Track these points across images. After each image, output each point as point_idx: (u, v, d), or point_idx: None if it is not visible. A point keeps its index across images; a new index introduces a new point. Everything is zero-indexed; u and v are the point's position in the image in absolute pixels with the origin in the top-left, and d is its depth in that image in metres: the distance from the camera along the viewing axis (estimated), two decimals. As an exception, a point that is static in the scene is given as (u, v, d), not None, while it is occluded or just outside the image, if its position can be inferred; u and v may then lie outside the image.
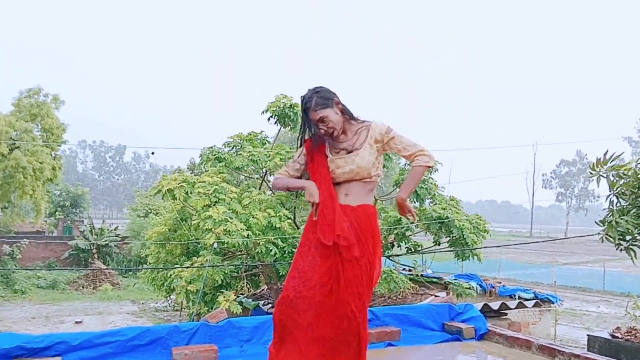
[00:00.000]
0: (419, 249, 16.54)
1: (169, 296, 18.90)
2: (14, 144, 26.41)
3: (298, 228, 15.49)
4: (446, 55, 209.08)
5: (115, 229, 35.82)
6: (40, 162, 27.08)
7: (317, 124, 3.13)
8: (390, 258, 16.74)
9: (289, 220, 14.73)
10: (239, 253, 14.50)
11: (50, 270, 31.05)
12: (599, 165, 5.19)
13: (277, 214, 14.11)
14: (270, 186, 3.41)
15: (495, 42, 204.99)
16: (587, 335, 6.48)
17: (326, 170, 3.17)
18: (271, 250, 13.45)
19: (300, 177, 3.29)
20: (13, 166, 25.99)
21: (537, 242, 29.94)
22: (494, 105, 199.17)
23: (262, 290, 17.05)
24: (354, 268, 3.01)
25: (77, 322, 21.86)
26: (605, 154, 5.17)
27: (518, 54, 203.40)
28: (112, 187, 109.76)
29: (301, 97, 3.21)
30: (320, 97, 3.12)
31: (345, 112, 3.20)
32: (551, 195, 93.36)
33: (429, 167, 3.21)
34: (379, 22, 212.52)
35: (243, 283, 15.35)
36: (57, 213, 40.94)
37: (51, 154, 28.75)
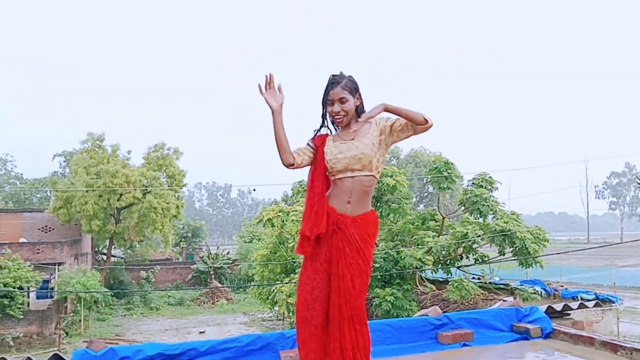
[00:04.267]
0: (486, 259, 15.95)
1: (273, 308, 19.11)
2: (146, 189, 27.63)
3: (377, 246, 15.35)
4: (495, 80, 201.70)
5: (227, 254, 36.48)
6: (167, 203, 27.96)
7: (334, 102, 2.80)
8: (460, 268, 16.22)
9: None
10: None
11: (178, 290, 32.03)
12: (647, 176, 4.87)
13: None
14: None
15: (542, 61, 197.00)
16: (650, 331, 6.00)
17: (323, 163, 2.85)
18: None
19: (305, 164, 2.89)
20: (147, 207, 26.99)
21: (595, 247, 27.99)
22: (547, 124, 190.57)
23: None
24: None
25: (201, 332, 22.37)
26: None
27: (565, 73, 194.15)
28: (222, 219, 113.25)
29: (332, 74, 2.87)
30: (351, 82, 2.83)
31: (358, 109, 2.87)
32: (604, 205, 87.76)
33: (426, 121, 2.72)
34: (427, 35, 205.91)
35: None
36: (181, 243, 41.83)
37: (175, 196, 29.59)
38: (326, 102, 2.85)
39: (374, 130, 2.85)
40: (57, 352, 3.45)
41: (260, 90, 2.76)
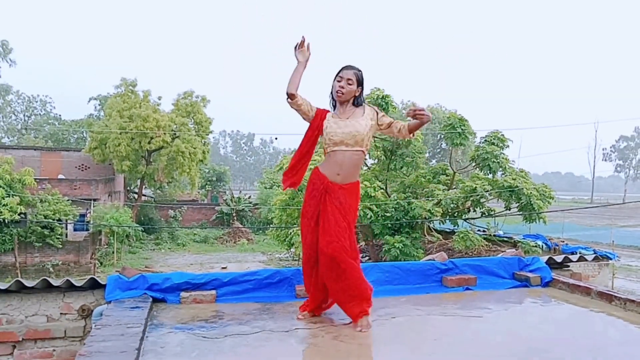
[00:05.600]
0: (492, 213, 15.92)
1: (290, 249, 19.45)
2: (175, 134, 27.74)
3: (389, 196, 15.39)
4: (512, 39, 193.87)
5: (248, 198, 36.96)
6: (194, 148, 28.09)
7: (342, 79, 3.13)
8: (467, 221, 16.24)
9: (382, 190, 14.66)
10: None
11: (202, 228, 32.66)
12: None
13: (372, 185, 14.09)
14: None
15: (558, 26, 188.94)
16: (644, 286, 5.99)
17: (317, 132, 3.19)
18: (368, 214, 13.49)
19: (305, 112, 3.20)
20: (175, 151, 27.20)
21: (597, 206, 27.71)
22: (560, 85, 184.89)
23: (361, 245, 17.13)
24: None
25: (222, 268, 22.78)
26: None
27: (581, 36, 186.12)
28: (245, 166, 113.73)
29: (348, 64, 3.24)
30: (361, 74, 3.19)
31: (356, 99, 3.20)
32: (610, 167, 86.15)
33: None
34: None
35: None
36: (206, 186, 42.15)
37: (201, 142, 29.63)
38: (336, 77, 3.17)
39: (367, 116, 3.17)
40: (93, 277, 3.58)
41: (294, 48, 3.14)
